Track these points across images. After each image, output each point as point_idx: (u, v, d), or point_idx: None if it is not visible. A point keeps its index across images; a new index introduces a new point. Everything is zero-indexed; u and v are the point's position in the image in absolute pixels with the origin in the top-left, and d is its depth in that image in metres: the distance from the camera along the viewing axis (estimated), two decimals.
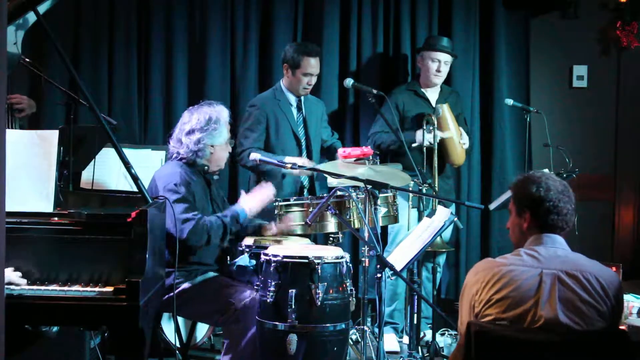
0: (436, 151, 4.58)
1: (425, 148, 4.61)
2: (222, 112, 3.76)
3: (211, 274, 3.71)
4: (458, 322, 2.52)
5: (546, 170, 2.57)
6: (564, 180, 2.53)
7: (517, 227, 2.52)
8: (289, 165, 3.87)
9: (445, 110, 4.68)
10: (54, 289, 2.77)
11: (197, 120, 3.71)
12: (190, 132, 3.70)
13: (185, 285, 3.59)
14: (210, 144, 3.70)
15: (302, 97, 4.75)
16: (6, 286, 2.70)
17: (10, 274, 2.74)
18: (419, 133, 4.66)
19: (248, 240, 3.77)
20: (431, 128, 4.57)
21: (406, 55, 5.40)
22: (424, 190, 4.24)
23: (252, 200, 3.77)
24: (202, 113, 3.73)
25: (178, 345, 3.88)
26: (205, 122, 3.70)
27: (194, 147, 3.69)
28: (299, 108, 4.74)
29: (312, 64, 4.64)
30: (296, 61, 4.62)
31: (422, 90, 4.96)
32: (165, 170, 3.69)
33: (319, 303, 3.32)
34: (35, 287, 2.77)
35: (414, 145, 4.64)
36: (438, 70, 4.87)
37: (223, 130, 3.74)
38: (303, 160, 4.42)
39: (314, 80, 4.70)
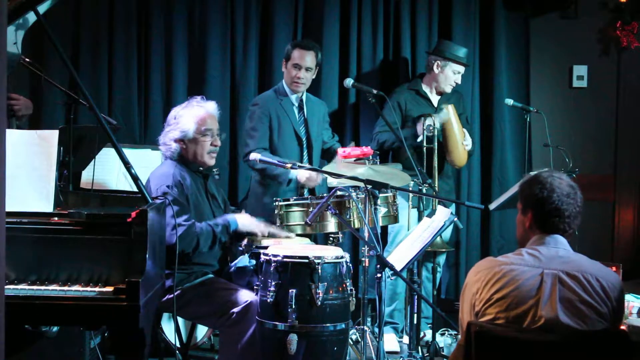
0: (436, 151, 4.59)
1: (425, 148, 4.61)
2: (193, 108, 3.70)
3: (209, 275, 3.70)
4: (459, 318, 2.52)
5: (563, 175, 2.53)
6: (573, 182, 2.52)
7: (521, 224, 2.53)
8: (289, 165, 3.87)
9: (451, 111, 4.67)
10: (54, 289, 2.77)
11: (170, 114, 3.75)
12: (165, 127, 3.74)
13: (185, 286, 3.59)
14: (176, 139, 3.67)
15: (304, 97, 4.74)
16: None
17: None
18: (419, 125, 4.65)
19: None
20: (431, 128, 4.56)
21: (406, 56, 5.40)
22: (424, 190, 4.24)
23: (247, 219, 3.73)
24: (176, 109, 3.75)
25: (178, 345, 3.88)
26: (171, 117, 3.72)
27: (162, 140, 3.71)
28: (300, 108, 4.73)
29: (302, 56, 4.60)
30: (288, 53, 4.65)
31: (425, 90, 4.95)
32: (159, 171, 3.68)
33: (319, 303, 3.31)
34: (35, 287, 2.76)
35: (418, 140, 4.63)
36: (455, 81, 4.88)
37: (188, 123, 3.65)
38: (307, 176, 4.44)
39: (303, 74, 4.62)
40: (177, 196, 3.53)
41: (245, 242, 3.74)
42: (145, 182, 3.68)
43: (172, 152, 3.69)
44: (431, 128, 4.56)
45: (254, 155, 3.93)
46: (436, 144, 4.59)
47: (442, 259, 4.98)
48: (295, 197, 4.16)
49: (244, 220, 3.71)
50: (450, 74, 4.87)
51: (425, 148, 4.62)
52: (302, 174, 4.41)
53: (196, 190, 3.69)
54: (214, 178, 3.93)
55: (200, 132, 3.68)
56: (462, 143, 4.76)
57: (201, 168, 3.76)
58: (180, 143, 3.68)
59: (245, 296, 3.52)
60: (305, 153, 4.67)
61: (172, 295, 3.37)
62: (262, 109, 4.62)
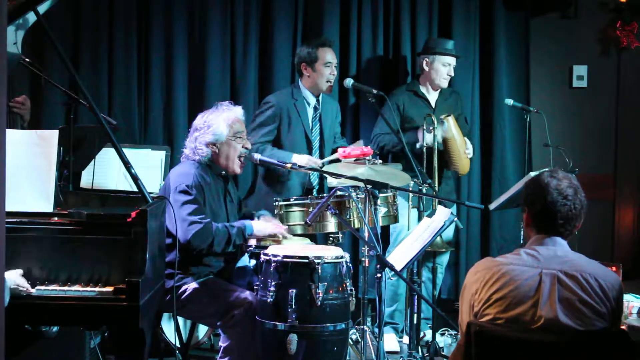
0: (436, 152, 4.59)
1: (425, 149, 4.61)
2: (223, 112, 3.75)
3: (210, 276, 3.70)
4: (459, 321, 2.52)
5: (568, 175, 2.50)
6: (577, 183, 2.48)
7: (523, 221, 2.54)
8: (289, 165, 3.88)
9: (451, 122, 4.65)
10: (54, 289, 2.77)
11: (198, 120, 3.77)
12: (192, 132, 3.76)
13: (185, 286, 3.59)
14: (208, 142, 3.70)
15: (320, 97, 4.75)
16: (13, 287, 2.71)
17: (18, 279, 2.75)
18: (420, 133, 4.66)
19: (252, 241, 3.76)
20: (431, 128, 4.58)
21: (406, 56, 5.40)
22: (424, 190, 4.24)
23: (264, 225, 3.75)
24: (205, 114, 3.78)
25: (178, 345, 3.88)
26: (203, 121, 3.74)
27: (192, 145, 3.72)
28: (315, 108, 4.75)
29: (330, 53, 4.69)
30: (313, 55, 4.66)
31: (423, 90, 4.96)
32: (180, 169, 3.70)
33: (319, 303, 3.32)
34: (35, 287, 2.77)
35: (417, 146, 4.64)
36: (448, 74, 4.89)
37: (220, 126, 3.70)
38: (307, 160, 4.43)
39: (335, 71, 4.71)
40: (195, 195, 3.56)
41: (253, 242, 3.74)
42: (165, 179, 3.74)
43: (202, 156, 3.71)
44: (431, 128, 4.57)
45: (256, 156, 3.95)
46: (436, 143, 4.59)
47: (444, 259, 4.98)
48: (295, 197, 4.17)
49: (259, 226, 3.72)
50: (441, 68, 4.87)
51: (425, 149, 4.62)
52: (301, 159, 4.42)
53: (215, 193, 3.71)
54: (232, 182, 3.95)
55: (233, 135, 3.73)
56: (464, 152, 4.75)
57: (224, 172, 3.78)
58: (212, 147, 3.70)
59: (246, 296, 3.52)
60: (317, 153, 4.69)
61: (173, 296, 3.38)
62: (274, 108, 4.64)
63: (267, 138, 4.58)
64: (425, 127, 4.59)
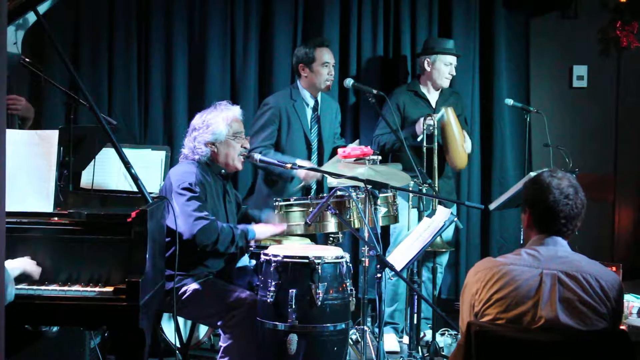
0: (436, 152, 4.58)
1: (425, 148, 4.60)
2: (222, 112, 3.75)
3: (210, 276, 3.70)
4: (459, 321, 2.52)
5: (567, 175, 2.51)
6: (576, 182, 2.49)
7: (523, 222, 2.54)
8: (289, 165, 3.88)
9: (450, 114, 4.66)
10: (54, 289, 2.77)
11: (197, 120, 3.76)
12: (191, 132, 3.76)
13: (185, 287, 3.59)
14: (207, 142, 3.69)
15: (319, 97, 4.75)
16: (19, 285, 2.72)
17: (27, 265, 2.75)
18: (418, 125, 4.65)
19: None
20: (431, 128, 4.57)
21: (406, 55, 5.41)
22: (424, 190, 4.24)
23: (265, 228, 3.77)
24: (204, 113, 3.77)
25: (178, 345, 3.88)
26: (201, 121, 3.74)
27: (191, 145, 3.72)
28: (314, 108, 4.75)
29: (327, 53, 4.68)
30: (310, 56, 4.66)
31: (423, 91, 4.96)
32: (181, 168, 3.70)
33: (319, 303, 3.32)
34: (35, 287, 2.77)
35: (419, 139, 4.63)
36: (450, 73, 4.89)
37: (219, 126, 3.70)
38: (303, 162, 4.43)
39: (333, 71, 4.71)
40: (199, 193, 3.57)
41: (254, 242, 3.75)
42: (165, 179, 3.74)
43: (201, 156, 3.70)
44: (431, 128, 4.56)
45: (256, 156, 3.95)
46: (436, 144, 4.59)
47: (444, 259, 4.98)
48: (295, 197, 4.16)
49: (262, 229, 3.74)
50: (443, 67, 4.87)
51: (425, 148, 4.62)
52: (300, 172, 4.42)
53: (214, 193, 3.71)
54: (231, 183, 3.96)
55: (232, 135, 3.73)
56: (462, 145, 4.75)
57: (223, 171, 3.78)
58: (211, 146, 3.70)
59: (246, 296, 3.52)
60: (315, 155, 4.69)
61: (173, 295, 3.38)
62: (273, 110, 4.63)
63: (268, 141, 4.57)
64: (424, 125, 4.57)
